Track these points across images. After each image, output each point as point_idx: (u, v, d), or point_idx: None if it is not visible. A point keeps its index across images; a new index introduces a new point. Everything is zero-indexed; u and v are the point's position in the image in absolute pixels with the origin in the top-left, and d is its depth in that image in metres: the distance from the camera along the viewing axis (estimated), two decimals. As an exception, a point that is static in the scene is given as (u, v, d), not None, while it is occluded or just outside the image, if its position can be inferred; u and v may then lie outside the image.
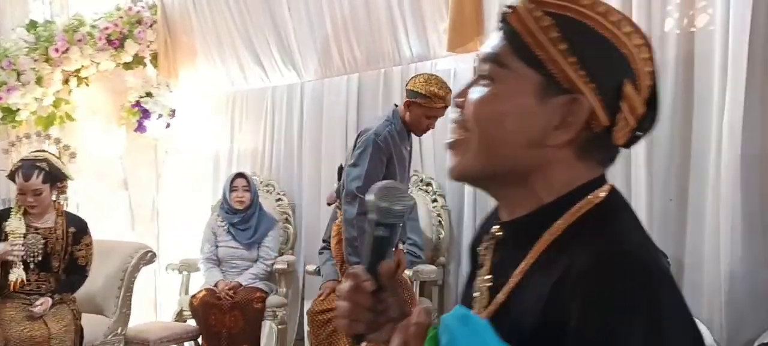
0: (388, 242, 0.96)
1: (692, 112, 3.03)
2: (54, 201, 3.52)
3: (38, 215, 3.46)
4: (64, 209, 3.63)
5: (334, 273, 3.70)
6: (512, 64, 0.85)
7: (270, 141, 4.82)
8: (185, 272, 4.38)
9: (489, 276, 0.92)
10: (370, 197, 0.96)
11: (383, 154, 3.14)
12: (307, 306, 4.26)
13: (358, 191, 3.09)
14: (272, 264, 4.22)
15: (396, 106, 3.36)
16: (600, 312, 0.76)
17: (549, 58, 0.83)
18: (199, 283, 4.19)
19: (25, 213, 3.45)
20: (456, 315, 0.82)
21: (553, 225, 0.85)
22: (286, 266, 4.26)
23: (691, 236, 3.04)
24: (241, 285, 4.03)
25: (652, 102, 0.86)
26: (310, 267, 4.23)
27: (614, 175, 0.97)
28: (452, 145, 0.91)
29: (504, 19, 0.87)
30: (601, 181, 0.87)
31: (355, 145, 3.26)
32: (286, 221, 4.59)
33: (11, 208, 3.50)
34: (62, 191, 3.60)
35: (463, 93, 0.90)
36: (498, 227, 0.93)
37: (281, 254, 4.38)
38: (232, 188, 4.24)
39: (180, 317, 4.26)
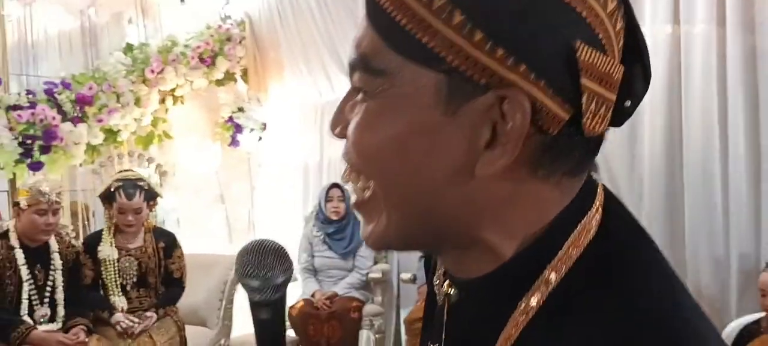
0: (277, 323, 0.75)
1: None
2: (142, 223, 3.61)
3: (129, 236, 3.54)
4: (152, 225, 3.72)
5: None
6: (390, 65, 0.53)
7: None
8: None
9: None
10: (236, 272, 0.72)
11: None
12: (403, 315, 4.26)
13: None
14: (367, 273, 4.22)
15: None
16: None
17: (444, 44, 0.51)
18: (296, 293, 4.23)
19: (115, 235, 3.54)
20: None
21: (532, 288, 0.55)
22: (381, 275, 4.26)
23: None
24: (337, 295, 4.06)
25: (635, 53, 0.56)
26: (405, 275, 4.22)
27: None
28: (356, 207, 0.61)
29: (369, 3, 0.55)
30: (586, 199, 0.57)
31: None
32: (380, 229, 4.59)
33: (101, 231, 3.60)
34: (152, 208, 3.68)
35: (339, 118, 0.60)
36: (448, 282, 0.63)
37: (376, 263, 4.38)
38: (327, 198, 4.28)
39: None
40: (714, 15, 3.14)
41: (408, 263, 4.36)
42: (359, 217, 0.61)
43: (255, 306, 0.72)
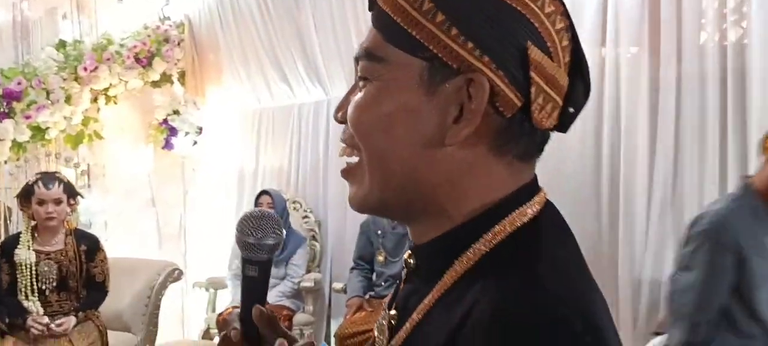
0: (261, 282, 0.84)
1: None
2: (67, 220, 3.53)
3: (48, 238, 3.45)
4: (74, 226, 3.63)
5: (359, 289, 3.68)
6: (388, 54, 0.68)
7: (296, 158, 4.80)
8: (212, 290, 4.38)
9: (393, 312, 0.74)
10: (236, 232, 0.84)
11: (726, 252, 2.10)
12: (334, 325, 4.23)
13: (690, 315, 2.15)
14: (299, 282, 4.19)
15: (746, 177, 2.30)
16: None
17: (427, 36, 0.65)
18: (226, 300, 4.18)
19: (33, 237, 3.44)
20: None
21: (465, 253, 0.66)
22: (313, 284, 4.24)
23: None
24: (267, 303, 4.00)
25: (578, 70, 0.69)
26: (337, 285, 4.20)
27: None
28: (345, 173, 0.74)
29: (371, 3, 0.71)
30: (531, 190, 0.69)
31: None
32: (313, 238, 4.56)
33: (19, 234, 3.50)
34: (74, 209, 3.59)
35: (343, 104, 0.73)
36: (409, 252, 0.75)
37: (308, 271, 4.35)
38: (257, 204, 4.23)
39: (207, 335, 4.25)
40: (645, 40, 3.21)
41: (340, 273, 4.34)
42: (348, 183, 0.74)
43: (246, 264, 0.84)
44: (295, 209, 4.63)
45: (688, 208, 3.04)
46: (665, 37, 3.11)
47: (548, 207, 0.70)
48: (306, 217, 4.63)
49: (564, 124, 0.70)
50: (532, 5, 0.65)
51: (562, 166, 3.35)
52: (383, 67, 0.68)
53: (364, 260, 3.93)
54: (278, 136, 4.89)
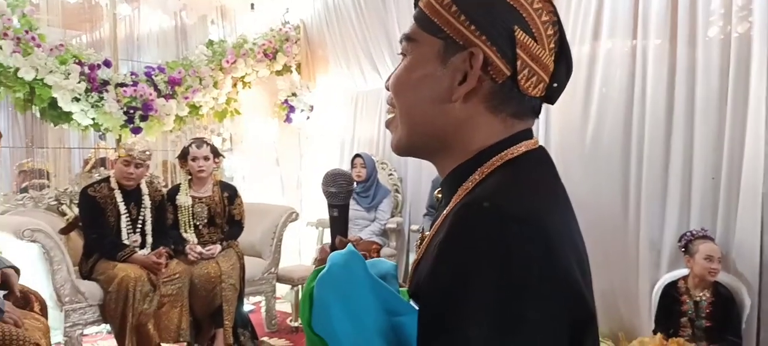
0: (341, 219, 0.91)
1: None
2: (213, 174, 3.64)
3: (200, 187, 3.57)
4: (219, 179, 3.75)
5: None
6: (419, 37, 0.73)
7: (384, 129, 4.80)
8: (320, 228, 4.44)
9: (427, 233, 0.76)
10: (321, 185, 0.91)
11: None
12: (411, 258, 4.25)
13: None
14: (385, 224, 4.22)
15: None
16: (441, 261, 0.60)
17: (444, 21, 0.70)
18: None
19: (190, 186, 3.57)
20: (341, 252, 0.73)
21: (467, 180, 0.70)
22: (395, 226, 4.25)
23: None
24: (361, 239, 4.05)
25: (562, 56, 0.71)
26: (414, 226, 4.20)
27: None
28: (387, 124, 0.79)
29: (415, 3, 0.76)
30: (523, 136, 0.71)
31: None
32: (396, 190, 4.57)
33: (179, 184, 3.64)
34: (218, 165, 3.70)
35: (390, 76, 0.78)
36: (439, 189, 0.79)
37: (392, 216, 4.37)
38: (352, 165, 4.26)
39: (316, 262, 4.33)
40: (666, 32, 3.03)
41: (416, 217, 4.35)
42: (390, 132, 0.78)
43: (331, 207, 0.92)
44: (382, 168, 4.64)
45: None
46: (681, 29, 2.93)
47: (537, 150, 0.72)
48: (391, 174, 4.64)
49: (550, 97, 0.73)
50: (522, 2, 0.69)
51: (599, 139, 3.23)
52: (415, 46, 0.73)
53: (434, 208, 3.92)
54: (370, 112, 4.90)
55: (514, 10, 0.69)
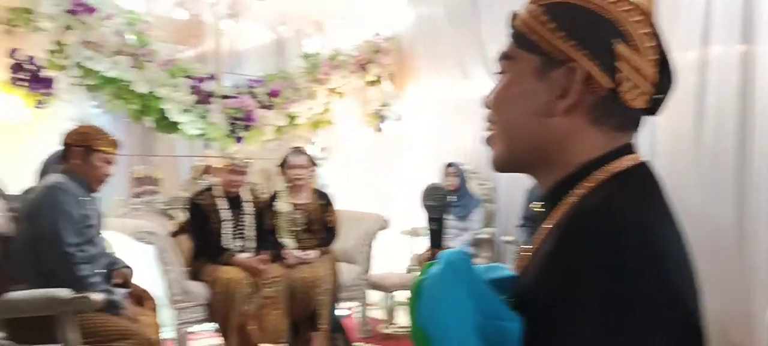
0: (438, 232, 0.94)
1: None
2: (310, 182, 3.75)
3: (298, 194, 3.68)
4: (315, 187, 3.85)
5: (526, 242, 3.59)
6: (516, 55, 0.74)
7: (476, 136, 4.76)
8: (413, 236, 4.47)
9: (529, 247, 0.76)
10: (421, 198, 0.95)
11: None
12: (504, 267, 4.18)
13: None
14: (477, 234, 4.18)
15: None
16: (550, 271, 0.62)
17: (541, 39, 0.71)
18: (423, 245, 4.24)
19: (289, 194, 3.68)
20: (452, 251, 0.72)
21: (570, 195, 0.69)
22: (488, 236, 4.21)
23: None
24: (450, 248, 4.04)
25: (663, 64, 0.71)
26: (506, 238, 4.14)
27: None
28: (487, 141, 0.80)
29: (511, 23, 0.77)
30: (626, 150, 0.71)
31: None
32: (488, 200, 4.52)
33: (278, 191, 3.78)
34: (314, 173, 3.80)
35: (488, 95, 0.79)
36: (540, 203, 0.78)
37: (484, 226, 4.33)
38: (444, 174, 4.26)
39: (409, 269, 4.35)
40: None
41: (508, 229, 4.27)
42: (489, 148, 0.79)
43: (430, 220, 0.96)
44: (473, 177, 4.61)
45: None
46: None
47: (641, 166, 0.71)
48: (482, 184, 4.60)
49: (653, 108, 0.72)
50: (614, 10, 0.70)
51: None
52: (512, 64, 0.75)
53: (529, 219, 3.84)
54: (461, 122, 4.87)
55: (613, 24, 0.69)
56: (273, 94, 4.72)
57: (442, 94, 5.05)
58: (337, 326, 3.61)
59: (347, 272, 3.90)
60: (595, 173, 0.69)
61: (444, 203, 0.96)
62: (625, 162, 0.70)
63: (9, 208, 2.72)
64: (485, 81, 4.61)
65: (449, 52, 4.82)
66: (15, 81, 3.59)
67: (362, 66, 5.10)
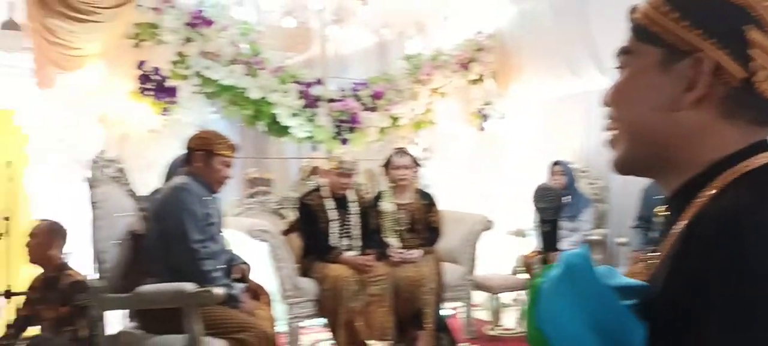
0: (552, 234, 0.87)
1: None
2: (413, 183, 3.78)
3: (401, 194, 3.73)
4: (418, 187, 3.88)
5: (640, 245, 3.42)
6: (637, 48, 0.71)
7: (584, 135, 4.60)
8: (518, 237, 4.39)
9: (656, 253, 0.71)
10: (533, 199, 0.90)
11: None
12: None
13: None
14: (588, 235, 4.03)
15: None
16: (677, 276, 0.60)
17: (664, 29, 0.67)
18: (529, 246, 4.16)
19: (393, 194, 3.74)
20: (575, 252, 0.68)
21: (699, 195, 0.64)
22: (599, 238, 4.05)
23: None
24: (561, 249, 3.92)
25: None
26: (619, 239, 3.96)
27: None
28: (609, 143, 0.75)
29: (630, 16, 0.73)
30: (761, 147, 0.66)
31: None
32: (599, 200, 4.35)
33: (382, 191, 3.84)
34: (417, 174, 3.83)
35: (608, 92, 0.75)
36: (665, 207, 0.73)
37: (595, 227, 4.17)
38: (551, 172, 4.15)
39: (515, 271, 4.28)
40: None
41: (621, 230, 4.09)
42: (612, 150, 0.75)
43: (543, 223, 0.94)
44: (583, 176, 4.46)
45: None
46: None
47: None
48: (592, 182, 4.43)
49: None
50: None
51: None
52: (633, 58, 0.72)
53: (644, 219, 3.65)
54: (569, 119, 4.73)
55: (744, 8, 0.64)
56: (376, 96, 4.81)
57: (547, 90, 4.92)
58: (443, 326, 3.62)
59: (451, 272, 3.89)
60: (726, 172, 0.65)
61: (557, 204, 0.96)
62: (760, 160, 0.65)
63: (140, 208, 2.97)
64: (594, 76, 4.45)
65: (554, 48, 4.69)
66: (143, 91, 3.91)
67: (464, 65, 5.08)
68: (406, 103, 4.92)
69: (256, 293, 2.99)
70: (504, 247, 4.73)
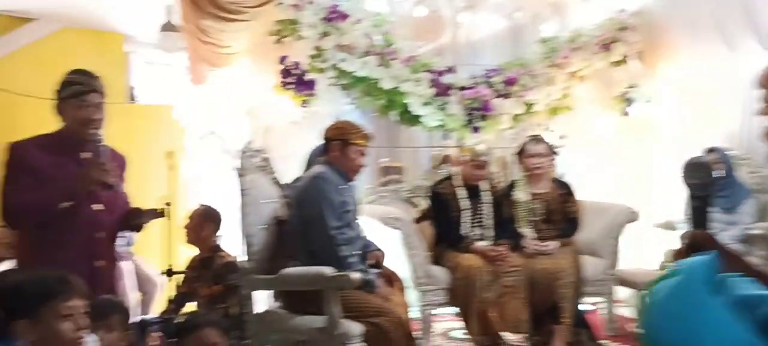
0: (702, 211, 0.81)
1: None
2: (547, 170, 3.67)
3: (536, 183, 3.64)
4: (554, 176, 3.75)
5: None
6: None
7: (744, 118, 4.18)
8: (667, 230, 4.10)
9: None
10: (682, 175, 0.83)
11: None
12: (784, 269, 3.62)
13: None
14: (748, 229, 3.67)
15: None
16: None
17: None
18: (678, 240, 3.88)
19: (527, 183, 3.65)
20: (695, 260, 0.58)
21: None
22: (761, 232, 3.66)
23: None
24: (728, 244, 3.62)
25: None
26: (790, 234, 3.56)
27: None
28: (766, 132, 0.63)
29: None
30: None
31: None
32: (761, 191, 3.94)
33: (515, 180, 3.76)
34: (553, 162, 3.71)
35: (764, 71, 0.62)
36: None
37: (758, 220, 3.77)
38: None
39: (663, 266, 4.01)
40: None
41: (792, 224, 3.67)
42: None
43: (693, 198, 0.92)
44: (743, 164, 4.05)
45: None
46: None
47: None
48: (753, 172, 4.02)
49: None
50: None
51: None
52: None
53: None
54: (725, 101, 4.32)
55: None
56: (509, 82, 4.72)
57: (701, 71, 4.53)
58: (581, 321, 3.50)
59: (591, 265, 3.73)
60: None
61: (709, 180, 0.89)
62: None
63: (283, 195, 3.17)
64: (756, 55, 4.02)
65: (709, 23, 4.29)
66: (285, 84, 4.16)
67: (606, 46, 4.81)
68: (542, 88, 4.77)
69: (390, 279, 3.07)
70: (651, 240, 4.45)
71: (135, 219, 2.55)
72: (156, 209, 2.66)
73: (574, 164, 4.87)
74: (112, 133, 2.52)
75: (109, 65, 4.78)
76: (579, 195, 3.75)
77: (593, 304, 4.21)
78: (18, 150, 2.37)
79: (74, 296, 1.63)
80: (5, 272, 2.67)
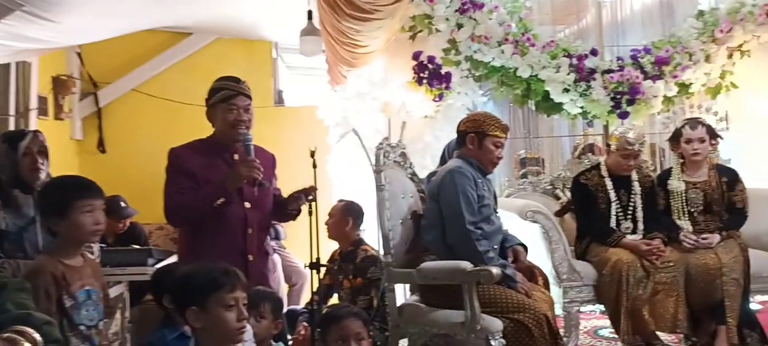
0: None
1: None
2: (709, 157, 3.38)
3: (694, 171, 3.39)
4: (715, 162, 3.46)
5: None
6: None
7: None
8: None
9: None
10: None
11: None
12: None
13: None
14: None
15: None
16: None
17: None
18: None
19: (682, 170, 3.39)
20: None
21: None
22: None
23: None
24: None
25: None
26: None
27: None
28: None
29: None
30: None
31: None
32: None
33: (671, 168, 3.51)
34: (714, 147, 3.42)
35: None
36: None
37: None
38: None
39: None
40: None
41: None
42: None
43: None
44: None
45: None
46: None
47: None
48: None
49: None
50: None
51: None
52: None
53: None
54: None
55: None
56: (661, 62, 4.42)
57: None
58: (750, 322, 3.20)
59: (760, 260, 3.40)
60: None
61: None
62: None
63: (419, 189, 3.23)
64: None
65: None
66: (420, 80, 4.22)
67: (775, 15, 4.34)
68: (699, 66, 4.42)
69: (532, 274, 3.01)
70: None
71: (292, 204, 2.70)
72: (306, 188, 2.76)
73: (740, 149, 4.45)
74: (261, 135, 2.71)
75: (258, 71, 5.16)
76: (746, 182, 3.42)
77: (761, 302, 3.84)
78: (175, 155, 2.63)
79: (238, 287, 1.79)
80: (174, 264, 2.98)
